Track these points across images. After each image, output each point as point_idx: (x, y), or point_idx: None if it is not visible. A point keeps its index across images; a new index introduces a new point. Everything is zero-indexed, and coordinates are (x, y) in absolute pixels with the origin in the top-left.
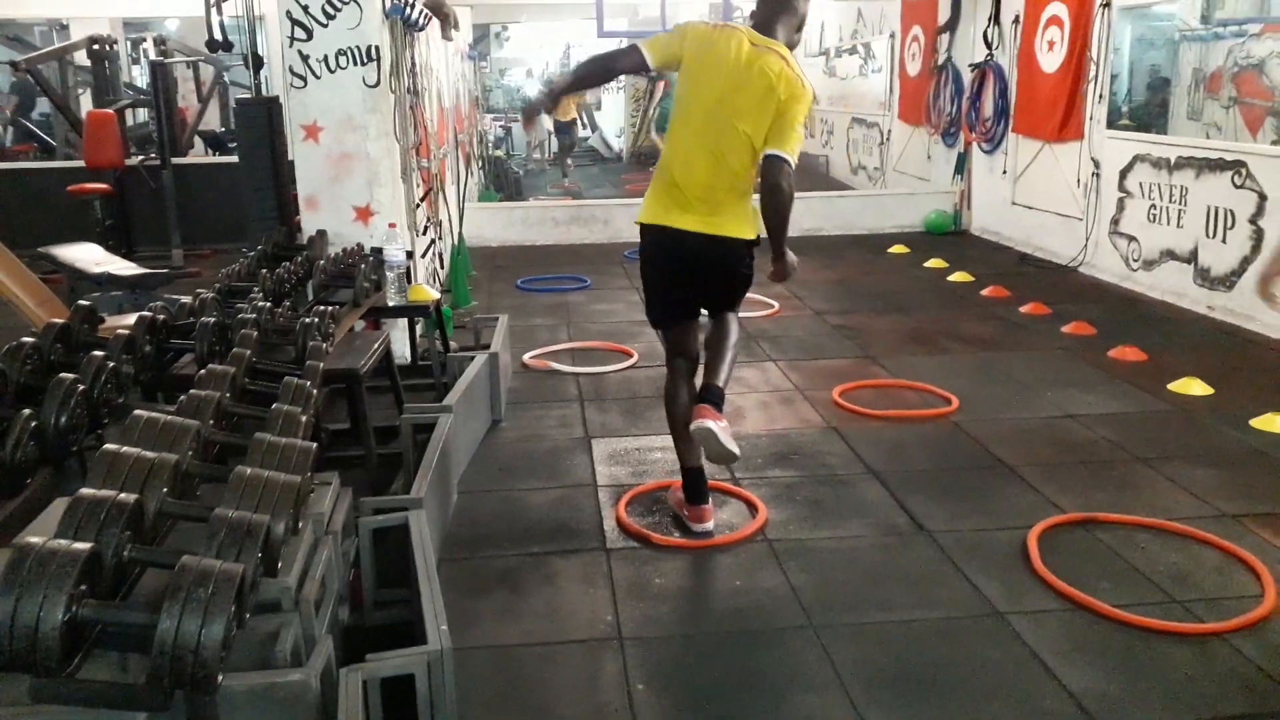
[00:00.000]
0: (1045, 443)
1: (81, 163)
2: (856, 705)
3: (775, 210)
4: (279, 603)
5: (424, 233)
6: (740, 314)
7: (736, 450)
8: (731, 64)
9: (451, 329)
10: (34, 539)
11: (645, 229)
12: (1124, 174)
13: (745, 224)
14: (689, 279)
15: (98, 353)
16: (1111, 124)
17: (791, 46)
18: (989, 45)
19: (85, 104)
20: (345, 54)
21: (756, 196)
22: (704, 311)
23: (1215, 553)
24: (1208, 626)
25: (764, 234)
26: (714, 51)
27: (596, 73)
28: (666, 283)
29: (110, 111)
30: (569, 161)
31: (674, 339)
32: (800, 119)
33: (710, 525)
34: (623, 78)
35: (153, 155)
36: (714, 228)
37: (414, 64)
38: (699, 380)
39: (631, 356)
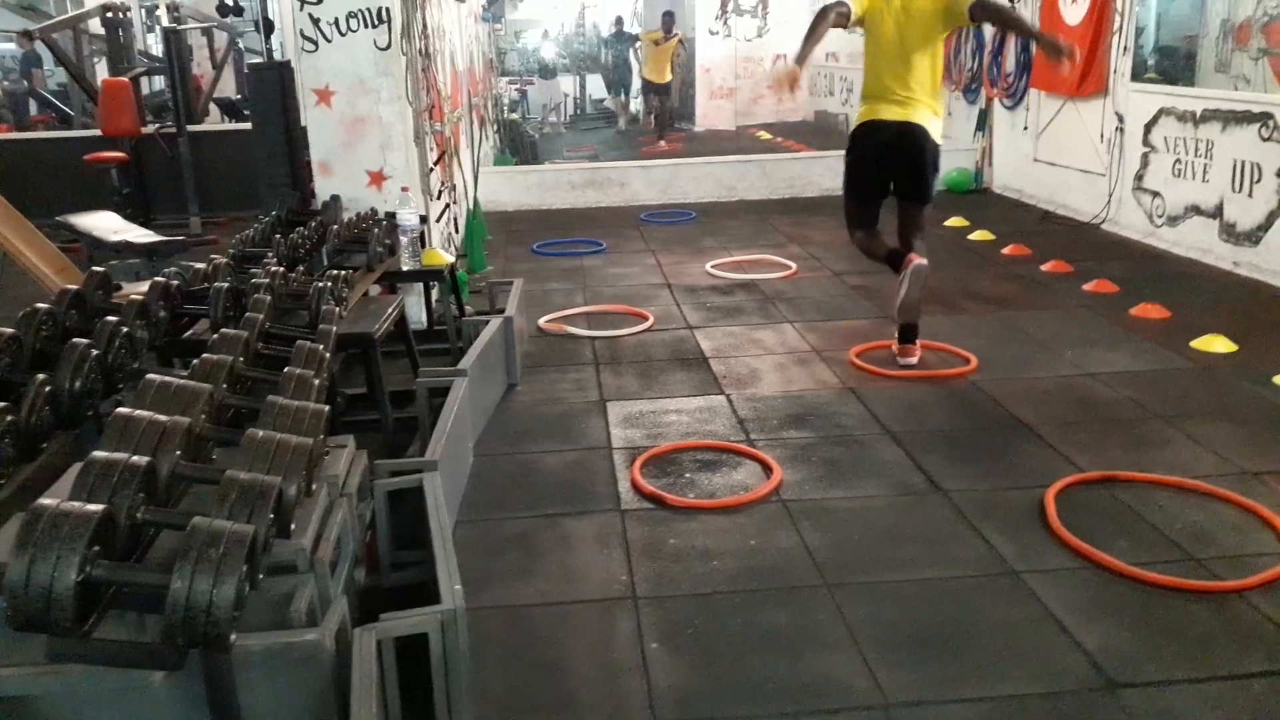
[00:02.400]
0: (1064, 402)
1: (98, 131)
2: (870, 664)
3: (1003, 17)
4: (294, 564)
5: (438, 197)
6: (757, 276)
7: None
8: (897, 7)
9: (467, 293)
10: (48, 501)
11: (857, 128)
12: (1148, 128)
13: (932, 121)
14: (881, 163)
15: (111, 318)
16: (1137, 77)
17: None
18: None
19: (101, 72)
20: (356, 16)
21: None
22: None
23: (1234, 510)
24: (1226, 584)
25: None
26: (881, 4)
27: (819, 24)
28: (863, 165)
29: (125, 80)
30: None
31: (857, 212)
32: None
33: (919, 263)
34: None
35: (169, 123)
36: (908, 116)
37: (426, 26)
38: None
39: (647, 319)
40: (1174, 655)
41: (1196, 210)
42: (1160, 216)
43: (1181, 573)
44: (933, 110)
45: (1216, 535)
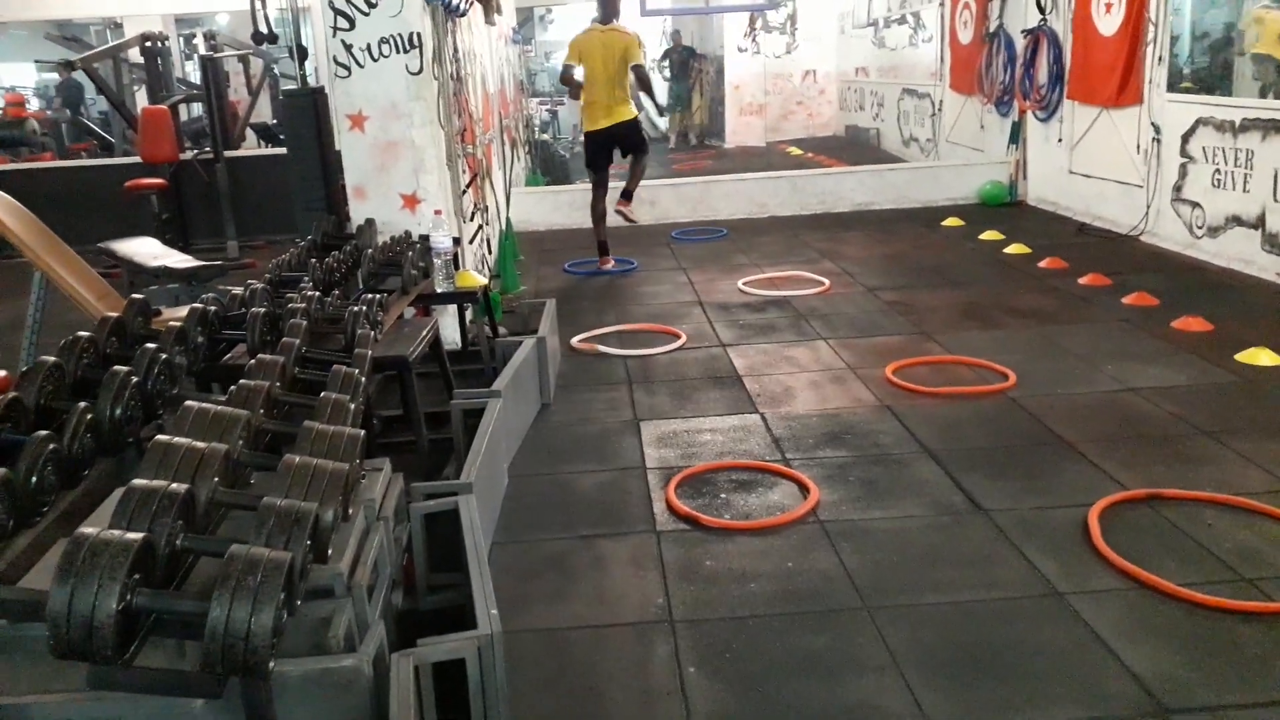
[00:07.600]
0: (1106, 418)
1: (138, 158)
2: (912, 688)
3: (645, 82)
4: (332, 589)
5: (471, 218)
6: (789, 292)
7: (637, 219)
8: (598, 46)
9: (500, 314)
10: (88, 530)
11: (589, 133)
12: (1186, 138)
13: (629, 111)
14: (609, 146)
15: (151, 345)
16: (1172, 87)
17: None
18: (1042, 10)
19: (140, 100)
20: (388, 42)
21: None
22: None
23: None
24: (1278, 605)
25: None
26: (589, 45)
27: (571, 88)
28: (599, 150)
29: (164, 107)
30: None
31: (598, 177)
32: (636, 48)
33: (611, 264)
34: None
35: (206, 149)
36: (618, 117)
37: (456, 50)
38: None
39: (680, 338)
40: (1227, 679)
41: (1237, 221)
42: (1200, 227)
43: (1232, 593)
44: (629, 107)
45: (1267, 554)
